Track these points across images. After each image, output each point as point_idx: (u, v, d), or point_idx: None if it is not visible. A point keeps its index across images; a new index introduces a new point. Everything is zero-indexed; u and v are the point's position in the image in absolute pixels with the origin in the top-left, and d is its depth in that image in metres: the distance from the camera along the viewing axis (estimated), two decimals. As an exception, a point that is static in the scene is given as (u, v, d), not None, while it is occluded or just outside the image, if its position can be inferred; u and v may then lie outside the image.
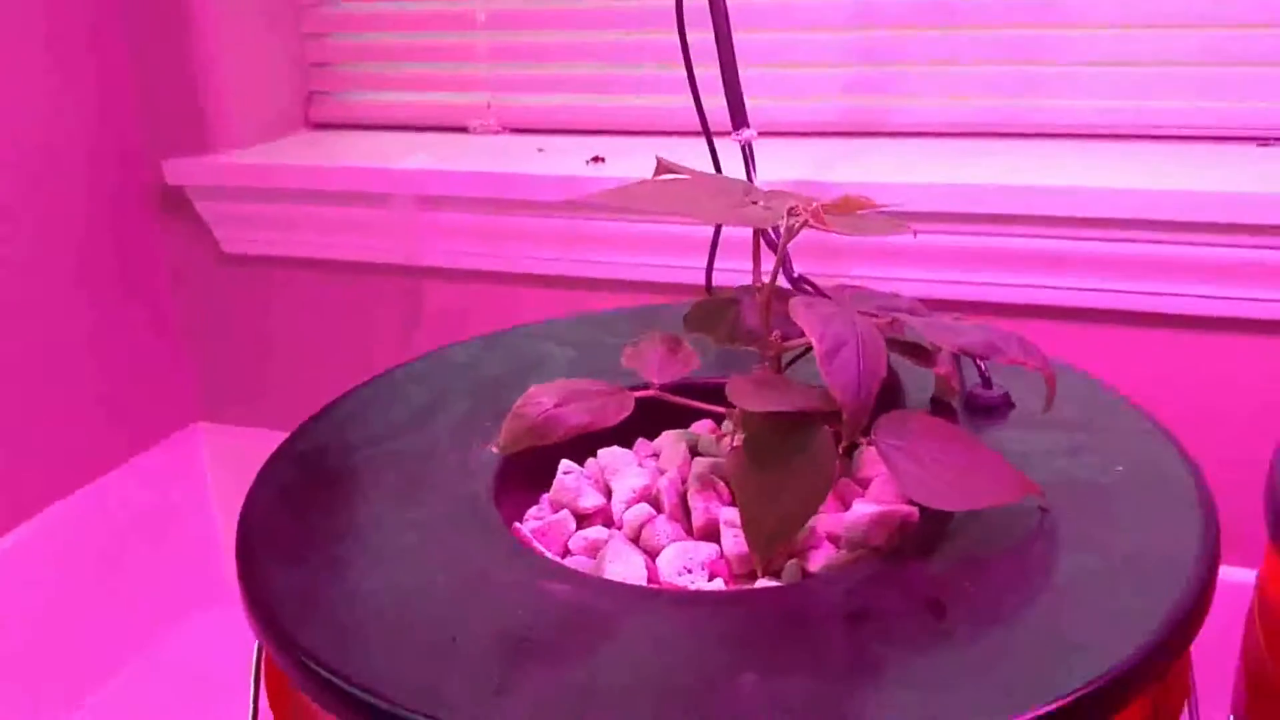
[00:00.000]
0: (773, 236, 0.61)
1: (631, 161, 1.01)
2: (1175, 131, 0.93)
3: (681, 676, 0.41)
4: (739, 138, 0.74)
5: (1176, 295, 0.85)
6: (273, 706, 0.51)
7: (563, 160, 1.03)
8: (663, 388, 0.55)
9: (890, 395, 0.63)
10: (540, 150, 1.08)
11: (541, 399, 0.50)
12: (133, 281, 1.17)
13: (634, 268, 1.01)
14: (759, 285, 0.56)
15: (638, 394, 0.53)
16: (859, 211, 0.53)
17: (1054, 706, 0.39)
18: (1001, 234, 0.86)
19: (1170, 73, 0.92)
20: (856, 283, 0.64)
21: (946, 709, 0.39)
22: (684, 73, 0.75)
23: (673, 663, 0.42)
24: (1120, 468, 0.53)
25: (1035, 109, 0.96)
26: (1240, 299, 0.83)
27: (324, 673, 0.42)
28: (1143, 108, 0.93)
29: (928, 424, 0.50)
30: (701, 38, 0.75)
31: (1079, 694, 0.39)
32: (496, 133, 1.15)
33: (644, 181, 0.58)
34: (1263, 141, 0.92)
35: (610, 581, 0.48)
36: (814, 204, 0.52)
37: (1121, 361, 0.89)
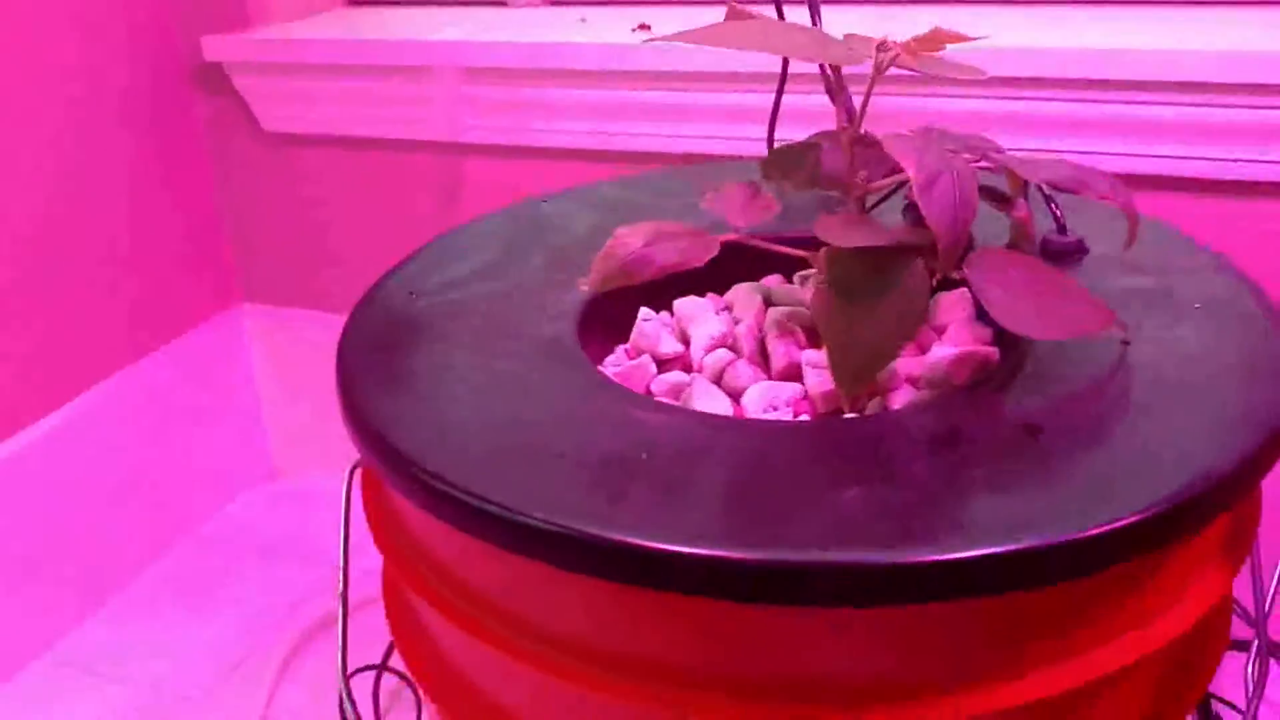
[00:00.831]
0: (845, 86, 0.60)
1: (679, 29, 0.99)
2: None
3: (786, 490, 0.42)
4: (803, -9, 0.72)
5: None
6: (375, 532, 0.52)
7: (607, 29, 1.02)
8: (745, 232, 0.55)
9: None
10: (583, 20, 1.06)
11: (630, 239, 0.50)
12: (172, 160, 1.16)
13: (683, 140, 1.00)
14: (842, 128, 0.55)
15: (723, 238, 0.53)
16: (948, 45, 0.52)
17: (1146, 515, 0.39)
18: (1085, 100, 0.85)
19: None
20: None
21: (1044, 512, 0.39)
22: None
23: (775, 480, 0.42)
24: (1198, 305, 0.53)
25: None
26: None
27: (440, 485, 0.43)
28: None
29: (1017, 260, 0.50)
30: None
31: (1168, 503, 0.40)
32: (537, 5, 1.13)
33: (720, 24, 0.57)
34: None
35: (701, 412, 0.49)
36: (909, 41, 0.51)
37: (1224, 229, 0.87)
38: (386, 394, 0.51)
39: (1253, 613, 0.53)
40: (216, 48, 1.10)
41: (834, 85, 0.57)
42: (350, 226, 1.17)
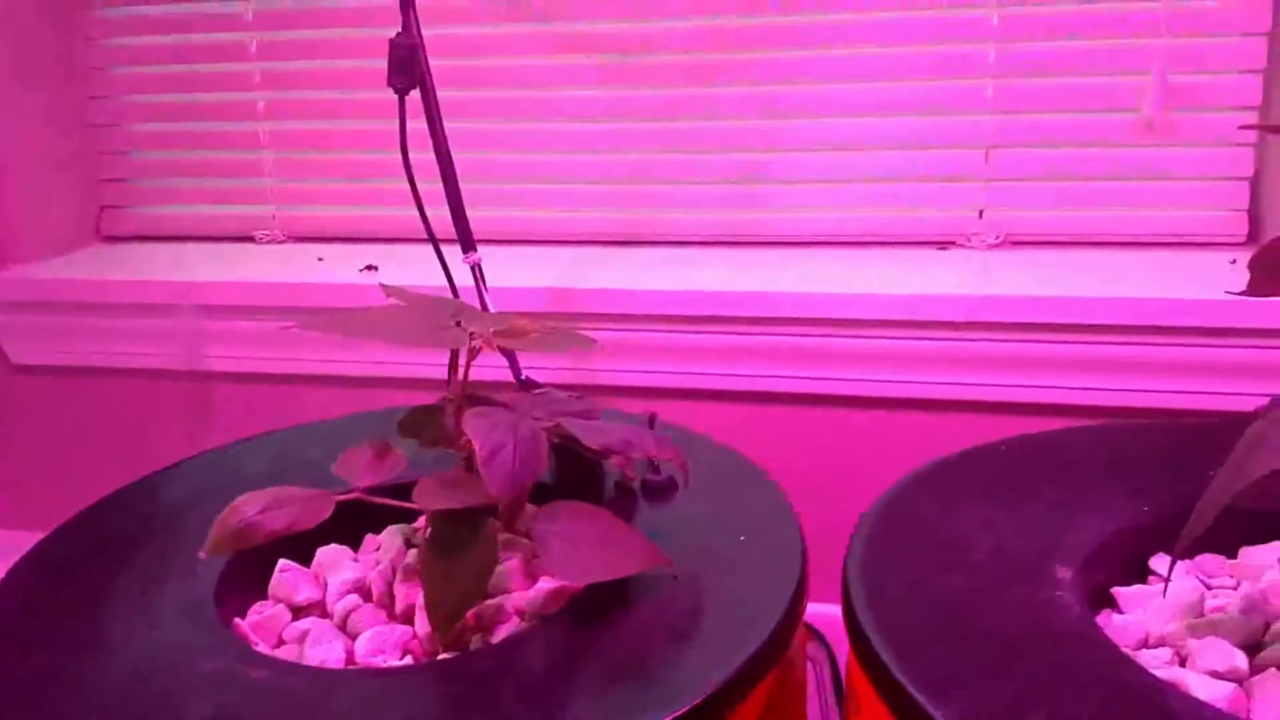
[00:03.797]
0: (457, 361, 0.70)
1: (401, 268, 1.10)
2: (874, 239, 1.08)
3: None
4: (468, 260, 0.83)
5: (881, 381, 0.98)
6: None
7: (338, 269, 1.11)
8: (370, 490, 0.63)
9: (592, 482, 0.73)
10: (320, 259, 1.16)
11: (244, 507, 0.58)
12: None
13: (410, 366, 1.09)
14: (452, 396, 0.65)
15: (340, 497, 0.61)
16: (528, 336, 0.62)
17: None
18: (718, 332, 0.98)
19: (871, 189, 1.06)
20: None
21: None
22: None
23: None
24: (743, 538, 0.63)
25: (759, 220, 1.09)
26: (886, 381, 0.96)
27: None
28: (845, 217, 1.07)
29: (578, 509, 0.60)
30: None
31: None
32: (281, 242, 1.23)
33: (357, 311, 0.67)
34: (942, 246, 1.07)
35: (298, 664, 0.56)
36: (490, 331, 0.62)
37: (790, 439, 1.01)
38: (25, 654, 0.56)
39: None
40: (-36, 288, 1.15)
41: (453, 361, 0.67)
42: (98, 452, 1.20)
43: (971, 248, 1.06)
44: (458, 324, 0.65)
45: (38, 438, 1.22)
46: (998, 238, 1.05)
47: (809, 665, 0.72)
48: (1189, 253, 1.00)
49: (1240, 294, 0.57)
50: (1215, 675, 0.51)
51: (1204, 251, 1.00)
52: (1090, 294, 0.90)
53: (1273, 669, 0.51)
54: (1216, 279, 0.91)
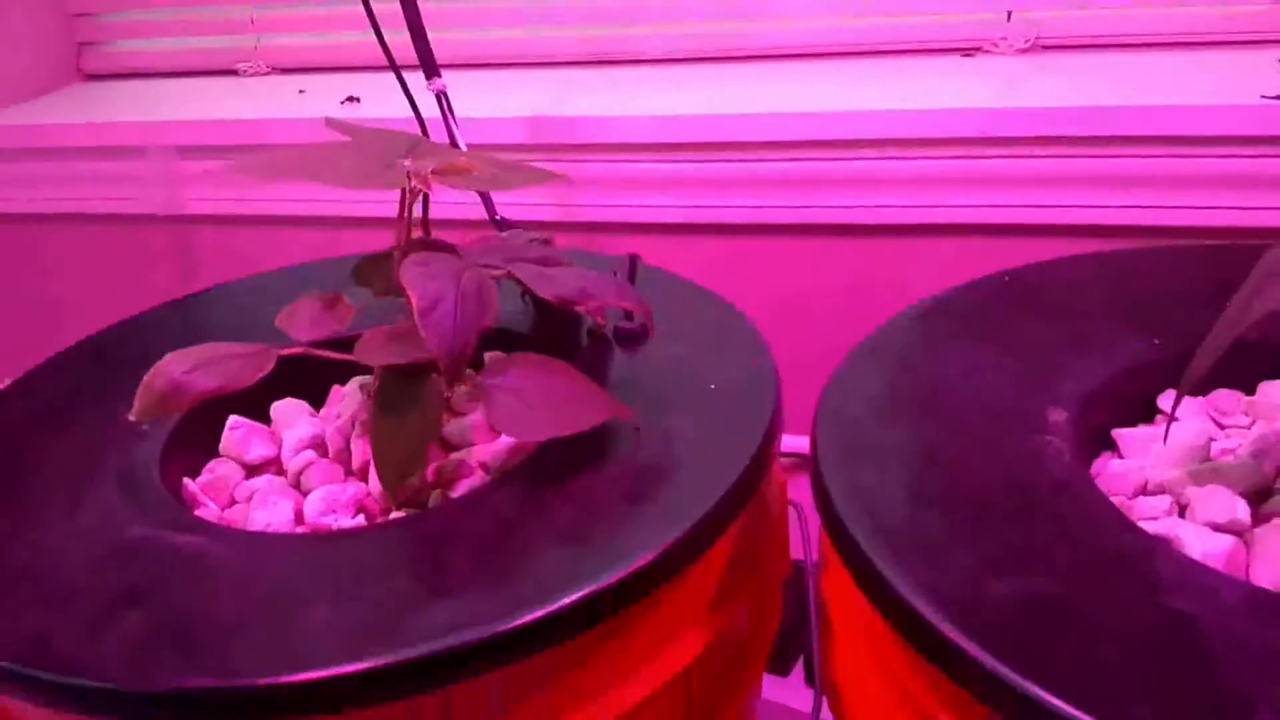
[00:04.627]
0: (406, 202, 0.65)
1: (385, 99, 1.03)
2: (888, 46, 0.99)
3: (258, 611, 0.46)
4: (432, 87, 0.77)
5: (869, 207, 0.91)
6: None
7: (320, 103, 1.05)
8: (317, 343, 0.59)
9: (568, 331, 0.68)
10: (302, 91, 1.10)
11: (169, 367, 0.54)
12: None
13: (370, 205, 1.03)
14: (398, 244, 0.60)
15: (284, 351, 0.57)
16: (469, 174, 0.57)
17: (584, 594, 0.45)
18: (709, 160, 0.91)
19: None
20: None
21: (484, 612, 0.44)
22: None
23: (253, 598, 0.47)
24: (714, 385, 0.59)
25: (749, 33, 1.00)
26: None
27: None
28: (847, 27, 0.98)
29: (531, 361, 0.55)
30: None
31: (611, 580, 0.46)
32: (264, 74, 1.17)
33: (293, 149, 0.61)
34: (966, 52, 0.98)
35: (231, 529, 0.53)
36: (428, 170, 0.56)
37: (817, 267, 0.95)
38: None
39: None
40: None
41: (402, 203, 0.62)
42: (80, 300, 1.18)
43: (999, 54, 0.97)
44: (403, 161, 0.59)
45: (14, 288, 1.20)
46: (1028, 42, 0.96)
47: (792, 510, 0.69)
48: (1235, 52, 0.90)
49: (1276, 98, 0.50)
50: (1215, 528, 0.46)
51: (1252, 50, 0.90)
52: (1114, 103, 0.82)
53: (1277, 519, 0.47)
54: (1261, 81, 0.82)
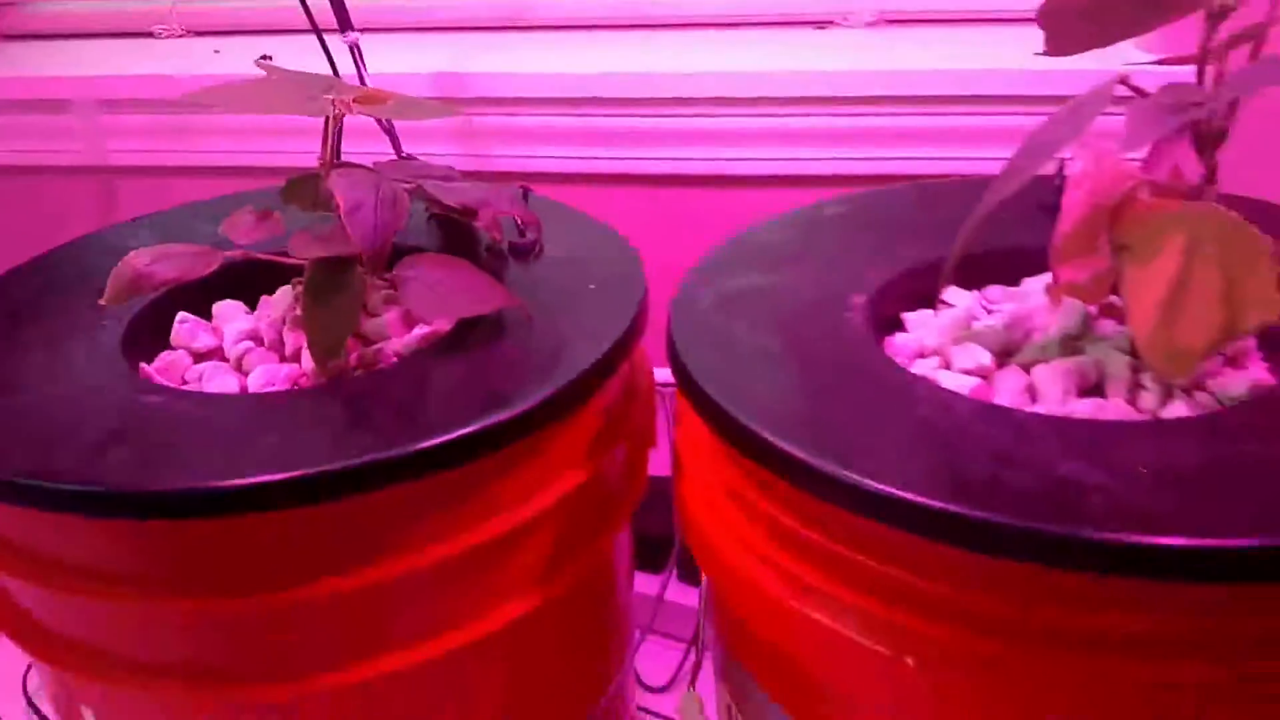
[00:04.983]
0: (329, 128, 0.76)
1: (295, 59, 1.13)
2: (751, 19, 1.13)
3: (222, 442, 0.57)
4: (346, 40, 0.88)
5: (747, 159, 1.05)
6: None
7: (235, 61, 1.15)
8: (252, 247, 0.70)
9: (465, 245, 0.80)
10: (217, 52, 1.19)
11: (135, 260, 0.65)
12: None
13: (284, 155, 1.13)
14: (322, 162, 0.71)
15: (226, 253, 0.68)
16: (386, 103, 0.68)
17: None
18: (600, 114, 1.04)
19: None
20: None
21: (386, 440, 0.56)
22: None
23: (217, 434, 0.58)
24: (593, 286, 0.72)
25: (636, 5, 1.13)
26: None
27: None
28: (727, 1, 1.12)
29: (439, 259, 0.67)
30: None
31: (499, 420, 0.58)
32: (180, 36, 1.25)
33: (234, 82, 0.72)
34: (820, 25, 1.12)
35: (192, 391, 0.64)
36: (351, 98, 0.68)
37: (708, 219, 1.09)
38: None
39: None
40: None
41: (326, 129, 0.73)
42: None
43: (849, 26, 1.11)
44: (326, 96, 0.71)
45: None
46: (874, 16, 1.11)
47: (660, 398, 0.82)
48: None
49: (1042, 53, 0.64)
50: (965, 373, 0.61)
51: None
52: (946, 67, 0.97)
53: (1012, 364, 0.61)
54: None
